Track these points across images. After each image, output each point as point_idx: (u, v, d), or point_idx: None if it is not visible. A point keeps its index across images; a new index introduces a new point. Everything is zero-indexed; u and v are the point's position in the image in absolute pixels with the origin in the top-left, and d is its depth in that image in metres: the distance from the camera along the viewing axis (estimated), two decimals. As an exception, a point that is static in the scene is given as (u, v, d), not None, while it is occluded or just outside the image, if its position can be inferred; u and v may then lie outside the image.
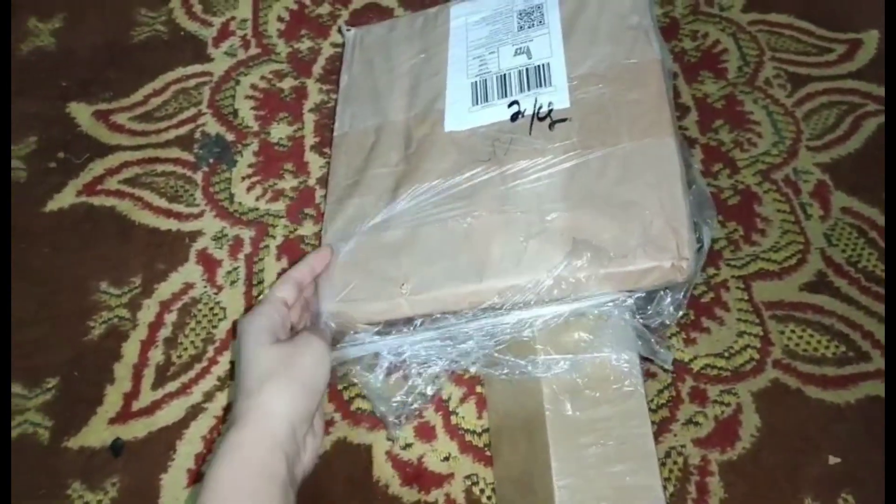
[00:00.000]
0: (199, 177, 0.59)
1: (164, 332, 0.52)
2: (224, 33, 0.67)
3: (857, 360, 0.49)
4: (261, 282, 0.54)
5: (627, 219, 0.41)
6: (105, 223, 0.57)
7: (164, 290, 0.54)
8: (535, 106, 0.47)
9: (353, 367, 0.44)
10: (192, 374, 0.50)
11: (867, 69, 0.61)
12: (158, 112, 0.63)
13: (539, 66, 0.49)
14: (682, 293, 0.41)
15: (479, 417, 0.48)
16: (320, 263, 0.46)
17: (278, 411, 0.35)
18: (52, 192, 0.58)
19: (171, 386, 0.50)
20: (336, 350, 0.43)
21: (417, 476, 0.46)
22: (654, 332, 0.41)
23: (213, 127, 0.61)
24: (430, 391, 0.45)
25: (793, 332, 0.50)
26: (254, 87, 0.64)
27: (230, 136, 0.61)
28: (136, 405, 0.49)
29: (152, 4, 0.69)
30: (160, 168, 0.60)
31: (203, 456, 0.47)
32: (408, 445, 0.47)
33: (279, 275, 0.54)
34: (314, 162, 0.59)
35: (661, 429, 0.47)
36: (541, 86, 0.48)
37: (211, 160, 0.60)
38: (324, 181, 0.57)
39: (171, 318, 0.53)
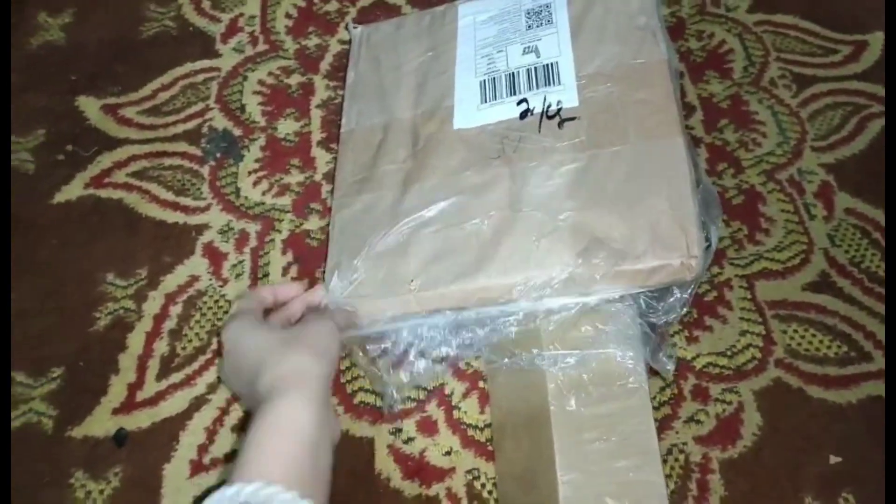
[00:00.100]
0: (205, 171, 0.59)
1: (170, 324, 0.52)
2: (232, 29, 0.67)
3: (859, 361, 0.49)
4: (266, 275, 0.54)
5: (636, 217, 0.41)
6: (112, 216, 0.57)
7: (170, 282, 0.54)
8: (544, 104, 0.47)
9: (355, 348, 0.45)
10: (196, 365, 0.51)
11: (872, 70, 0.61)
12: (166, 106, 0.63)
13: (548, 64, 0.49)
14: (689, 291, 0.41)
15: (482, 412, 0.48)
16: (312, 296, 0.46)
17: (310, 372, 0.35)
18: (60, 184, 0.59)
19: (176, 377, 0.50)
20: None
21: (419, 470, 0.46)
22: (658, 334, 0.42)
23: (220, 122, 0.62)
24: (431, 373, 0.46)
25: (795, 331, 0.50)
26: (261, 82, 0.64)
27: (237, 131, 0.61)
28: (141, 396, 0.50)
29: (161, 0, 0.70)
30: (167, 162, 0.60)
31: (206, 447, 0.47)
32: (410, 439, 0.47)
33: (284, 269, 0.54)
34: (321, 157, 0.59)
35: (662, 426, 0.47)
36: (549, 84, 0.48)
37: (218, 154, 0.60)
38: (330, 177, 0.57)
39: (176, 310, 0.53)
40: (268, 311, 0.45)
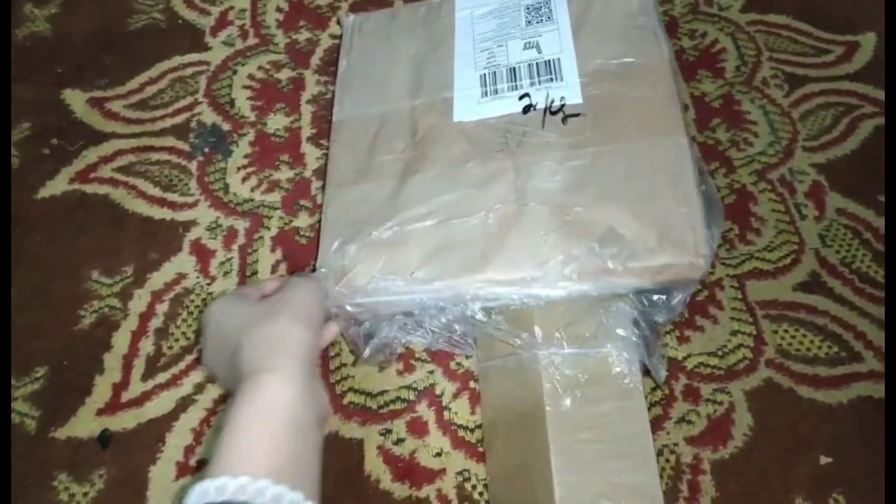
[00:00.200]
0: (193, 166, 0.58)
1: (156, 323, 0.51)
2: (222, 23, 0.66)
3: (850, 361, 0.49)
4: (254, 273, 0.53)
5: (645, 215, 0.41)
6: (98, 211, 0.56)
7: (157, 279, 0.53)
8: (547, 100, 0.47)
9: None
10: (182, 365, 0.50)
11: (864, 71, 0.61)
12: (154, 100, 0.62)
13: (549, 60, 0.49)
14: (690, 291, 0.42)
15: (473, 413, 0.48)
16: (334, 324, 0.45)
17: (290, 339, 0.34)
18: (45, 178, 0.58)
19: (162, 377, 0.49)
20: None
21: (409, 471, 0.46)
22: (652, 333, 0.42)
23: (209, 116, 0.61)
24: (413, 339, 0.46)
25: (786, 331, 0.50)
26: (251, 77, 0.63)
27: (226, 126, 0.60)
28: (126, 396, 0.49)
29: (149, -8, 0.69)
30: (155, 157, 0.59)
31: (192, 448, 0.47)
32: (400, 440, 0.47)
33: (273, 266, 0.53)
34: (310, 153, 0.59)
35: (653, 427, 0.46)
36: (552, 80, 0.48)
37: (206, 150, 0.59)
38: (320, 173, 0.57)
39: (162, 308, 0.52)
40: None
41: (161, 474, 0.46)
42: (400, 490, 0.45)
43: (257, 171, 0.58)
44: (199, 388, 0.49)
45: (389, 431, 0.47)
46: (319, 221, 0.50)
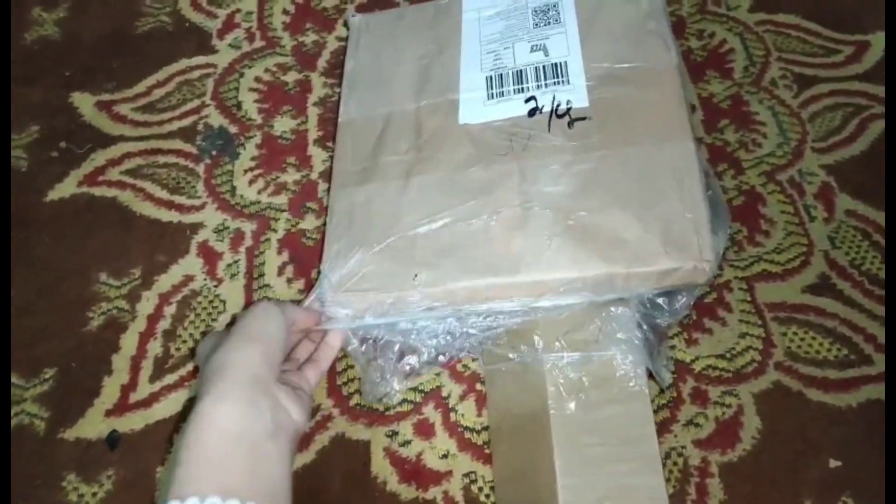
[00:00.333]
0: (201, 169, 0.59)
1: (164, 325, 0.52)
2: (229, 25, 0.67)
3: (859, 364, 0.48)
4: (261, 275, 0.53)
5: (650, 219, 0.41)
6: (106, 214, 0.57)
7: (164, 282, 0.53)
8: (553, 103, 0.47)
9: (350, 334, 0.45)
10: (190, 366, 0.50)
11: (874, 71, 0.61)
12: (161, 103, 0.62)
13: (556, 63, 0.49)
14: (695, 294, 0.42)
15: (479, 415, 0.48)
16: (336, 337, 0.45)
17: (234, 360, 0.34)
18: (54, 181, 0.58)
19: (169, 378, 0.50)
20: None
21: (416, 473, 0.46)
22: (657, 336, 0.42)
23: (216, 119, 0.61)
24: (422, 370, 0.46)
25: (795, 334, 0.50)
26: (258, 79, 0.63)
27: (233, 129, 0.61)
28: (134, 397, 0.49)
29: (157, -5, 0.69)
30: (162, 159, 0.59)
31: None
32: (406, 442, 0.47)
33: (280, 269, 0.53)
34: (317, 156, 0.59)
35: (661, 429, 0.46)
36: (558, 83, 0.48)
37: (213, 152, 0.59)
38: (327, 175, 0.57)
39: (170, 310, 0.52)
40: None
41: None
42: (407, 492, 0.45)
43: (264, 174, 0.58)
44: (207, 390, 0.49)
45: (396, 433, 0.47)
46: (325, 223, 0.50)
